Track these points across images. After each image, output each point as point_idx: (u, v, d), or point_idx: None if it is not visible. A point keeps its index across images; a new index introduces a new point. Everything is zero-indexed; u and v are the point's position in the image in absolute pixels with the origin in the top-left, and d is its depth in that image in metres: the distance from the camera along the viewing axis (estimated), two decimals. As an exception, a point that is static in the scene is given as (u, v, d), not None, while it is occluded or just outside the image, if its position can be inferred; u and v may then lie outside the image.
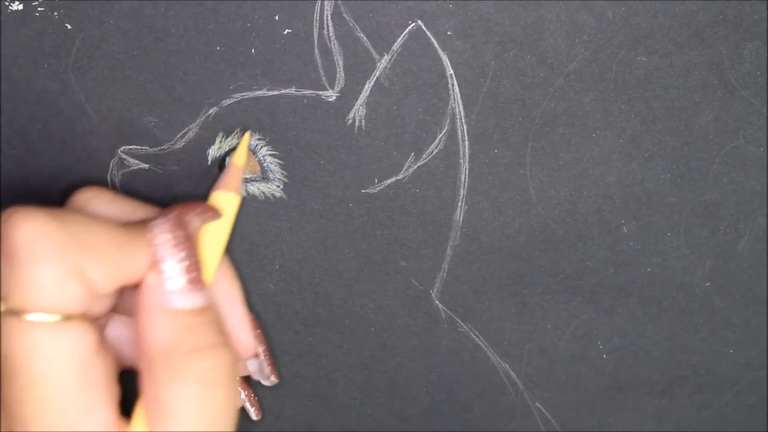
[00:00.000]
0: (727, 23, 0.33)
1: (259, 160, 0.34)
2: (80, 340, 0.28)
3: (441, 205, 0.35)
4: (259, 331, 0.35)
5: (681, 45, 0.33)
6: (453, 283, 0.36)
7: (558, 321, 0.36)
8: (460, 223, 0.35)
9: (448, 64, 0.33)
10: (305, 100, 0.33)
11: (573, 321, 0.36)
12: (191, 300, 0.29)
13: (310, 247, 0.35)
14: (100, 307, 0.30)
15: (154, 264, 0.29)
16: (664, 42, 0.33)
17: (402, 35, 0.33)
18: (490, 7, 0.32)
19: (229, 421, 0.29)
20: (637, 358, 0.37)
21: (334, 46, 0.33)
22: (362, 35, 0.32)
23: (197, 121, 0.33)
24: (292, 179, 0.34)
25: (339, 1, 0.32)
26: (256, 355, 0.35)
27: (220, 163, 0.34)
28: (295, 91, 0.33)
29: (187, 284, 0.29)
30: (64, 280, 0.27)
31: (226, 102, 0.33)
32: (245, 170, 0.34)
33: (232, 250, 0.35)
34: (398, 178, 0.34)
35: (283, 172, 0.34)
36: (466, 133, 0.34)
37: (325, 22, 0.32)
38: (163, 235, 0.29)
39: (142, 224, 0.30)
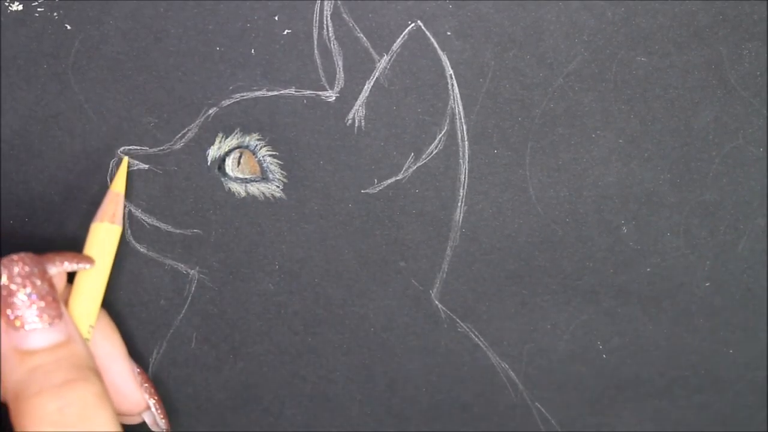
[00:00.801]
0: (727, 23, 0.33)
1: (259, 161, 0.34)
2: None
3: (441, 205, 0.35)
4: (147, 384, 0.34)
5: (681, 45, 0.33)
6: (453, 283, 0.36)
7: (558, 321, 0.36)
8: (460, 223, 0.35)
9: (448, 64, 0.33)
10: (305, 101, 0.33)
11: (573, 321, 0.36)
12: (42, 338, 0.28)
13: (310, 247, 0.35)
14: None
15: (4, 302, 0.28)
16: (664, 42, 0.33)
17: (402, 35, 0.33)
18: (490, 8, 0.32)
19: None
20: (637, 358, 0.37)
21: (334, 47, 0.33)
22: (362, 35, 0.32)
23: (197, 121, 0.33)
24: (292, 179, 0.34)
25: (339, 2, 0.32)
26: (148, 407, 0.34)
27: (220, 164, 0.34)
28: (295, 91, 0.33)
29: (39, 320, 0.28)
30: None
31: (226, 102, 0.33)
32: (245, 171, 0.34)
33: (232, 250, 0.35)
34: (398, 178, 0.34)
35: (282, 172, 0.34)
36: (465, 133, 0.34)
37: (325, 23, 0.32)
38: (9, 270, 0.28)
39: None
